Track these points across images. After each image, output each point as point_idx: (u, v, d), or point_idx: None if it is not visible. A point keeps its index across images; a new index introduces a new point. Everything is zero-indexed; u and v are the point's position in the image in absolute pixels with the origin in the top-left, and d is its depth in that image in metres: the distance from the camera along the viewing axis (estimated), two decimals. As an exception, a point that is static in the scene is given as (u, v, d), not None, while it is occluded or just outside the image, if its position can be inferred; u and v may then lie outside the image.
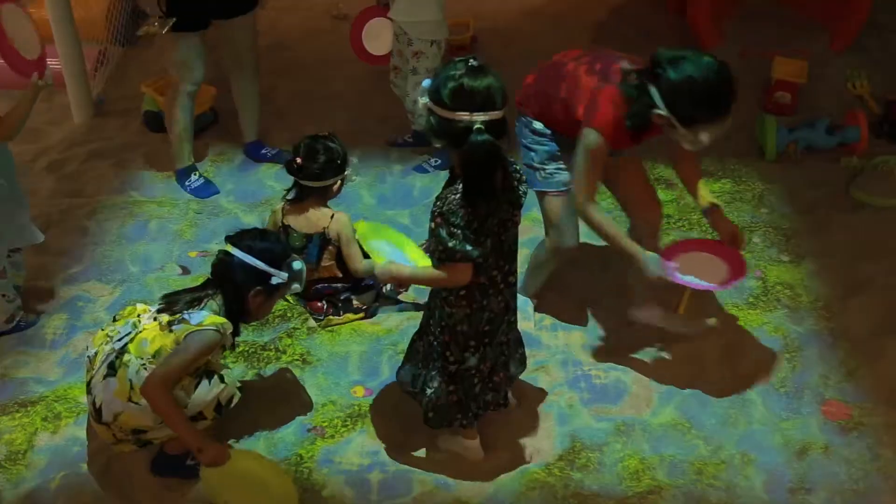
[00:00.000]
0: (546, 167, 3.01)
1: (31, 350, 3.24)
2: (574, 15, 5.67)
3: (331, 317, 3.35)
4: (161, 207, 3.97)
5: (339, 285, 3.37)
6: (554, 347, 3.24)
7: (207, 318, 2.59)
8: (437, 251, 2.40)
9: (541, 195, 3.06)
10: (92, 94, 4.66)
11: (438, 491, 2.74)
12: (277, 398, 3.05)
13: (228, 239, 2.73)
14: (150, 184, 4.16)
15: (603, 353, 3.21)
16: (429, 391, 2.68)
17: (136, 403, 2.55)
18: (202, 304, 2.65)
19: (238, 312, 2.71)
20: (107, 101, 4.77)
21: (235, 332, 2.71)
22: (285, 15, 5.68)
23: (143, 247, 3.75)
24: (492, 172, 2.34)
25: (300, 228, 3.30)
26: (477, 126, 2.25)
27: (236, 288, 2.68)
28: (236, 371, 3.11)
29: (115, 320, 2.76)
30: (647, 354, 3.20)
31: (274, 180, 4.16)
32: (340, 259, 3.35)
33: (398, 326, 3.34)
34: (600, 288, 3.48)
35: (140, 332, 2.63)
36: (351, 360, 3.21)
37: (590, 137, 2.77)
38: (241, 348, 3.20)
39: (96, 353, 2.66)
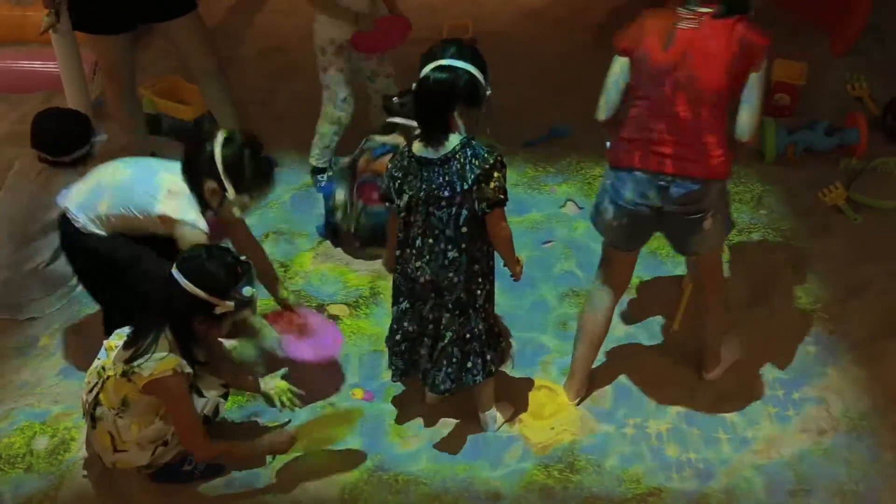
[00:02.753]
0: None
1: (30, 354, 3.23)
2: (574, 17, 5.68)
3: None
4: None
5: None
6: (556, 348, 3.24)
7: (157, 366, 2.51)
8: None
9: None
10: (90, 98, 4.65)
11: (438, 493, 2.73)
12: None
13: (177, 262, 2.57)
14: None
15: (604, 356, 3.21)
16: None
17: (123, 451, 2.62)
18: (156, 343, 2.54)
19: (187, 339, 2.61)
20: (105, 104, 4.76)
21: (191, 360, 2.62)
22: (284, 18, 5.68)
23: (141, 250, 3.74)
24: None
25: (379, 138, 3.57)
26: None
27: (179, 316, 2.57)
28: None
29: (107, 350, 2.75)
30: (647, 357, 3.20)
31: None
32: None
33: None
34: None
35: (106, 379, 2.61)
36: (350, 362, 3.20)
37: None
38: (240, 351, 3.20)
39: (86, 399, 2.70)
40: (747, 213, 3.89)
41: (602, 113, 2.71)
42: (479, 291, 2.67)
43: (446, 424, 2.95)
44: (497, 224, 2.58)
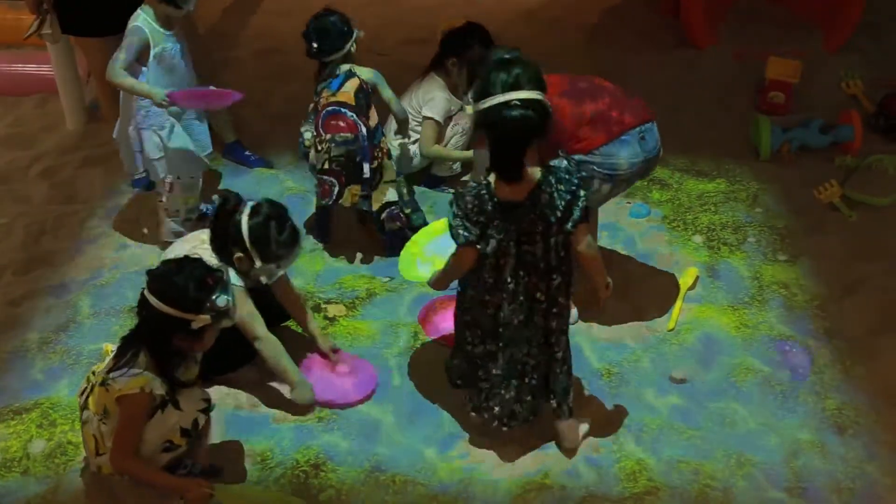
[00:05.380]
0: None
1: (25, 356, 3.23)
2: (568, 17, 5.69)
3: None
4: (155, 214, 3.96)
5: (347, 112, 3.48)
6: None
7: (128, 382, 2.51)
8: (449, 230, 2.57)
9: None
10: (85, 101, 4.65)
11: (436, 493, 2.73)
12: (273, 403, 3.04)
13: (147, 279, 2.53)
14: (144, 189, 4.14)
15: (600, 356, 3.21)
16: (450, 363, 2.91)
17: (105, 454, 2.62)
18: (136, 358, 2.53)
19: (166, 357, 2.57)
20: (100, 108, 4.76)
21: (171, 379, 2.58)
22: (280, 19, 5.68)
23: (138, 252, 3.74)
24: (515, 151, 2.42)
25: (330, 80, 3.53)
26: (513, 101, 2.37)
27: (154, 336, 2.53)
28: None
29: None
30: (642, 355, 3.20)
31: (269, 184, 4.15)
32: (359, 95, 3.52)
33: (393, 328, 3.33)
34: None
35: (94, 385, 2.62)
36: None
37: None
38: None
39: (80, 401, 2.71)
40: (743, 211, 3.90)
41: None
42: (569, 308, 2.70)
43: (443, 425, 2.95)
44: (583, 240, 2.54)
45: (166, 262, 2.59)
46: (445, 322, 3.29)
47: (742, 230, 3.77)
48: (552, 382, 2.76)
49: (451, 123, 4.03)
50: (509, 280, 2.58)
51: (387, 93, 3.63)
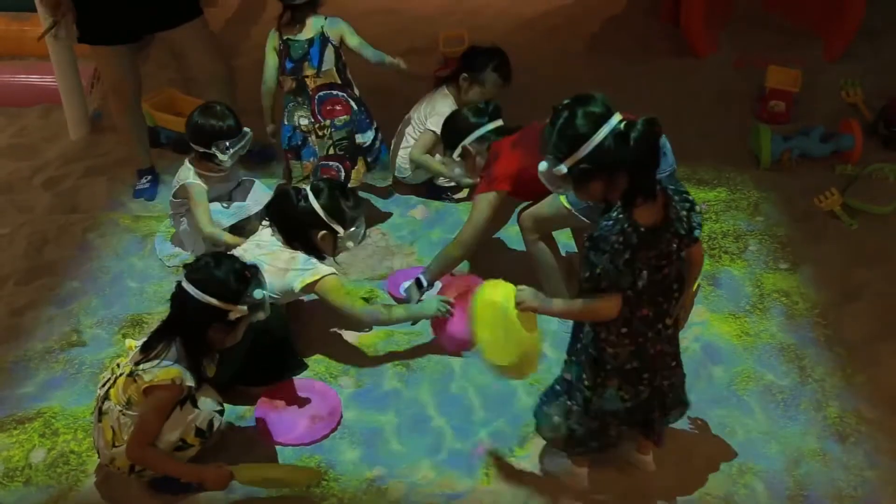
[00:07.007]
0: None
1: (28, 366, 3.24)
2: (568, 26, 5.71)
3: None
4: (159, 222, 3.98)
5: (338, 93, 3.51)
6: (552, 354, 3.25)
7: (158, 374, 2.55)
8: (585, 278, 2.27)
9: None
10: (88, 110, 4.68)
11: (438, 502, 2.73)
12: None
13: (185, 273, 2.63)
14: (147, 199, 4.16)
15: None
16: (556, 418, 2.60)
17: (121, 447, 2.62)
18: (167, 351, 2.58)
19: (199, 349, 2.64)
20: (103, 117, 4.78)
21: (198, 372, 2.63)
22: (281, 29, 5.70)
23: (140, 261, 3.76)
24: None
25: (299, 37, 3.50)
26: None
27: (192, 326, 2.60)
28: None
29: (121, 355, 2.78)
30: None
31: (269, 189, 4.16)
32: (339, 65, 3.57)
33: (395, 335, 3.34)
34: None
35: (119, 377, 2.65)
36: (349, 373, 3.20)
37: None
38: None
39: (98, 393, 2.72)
40: (744, 219, 3.90)
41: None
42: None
43: (447, 433, 2.96)
44: (701, 247, 2.48)
45: (203, 257, 2.68)
46: (457, 326, 3.25)
47: (743, 238, 3.78)
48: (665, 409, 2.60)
49: None
50: (645, 309, 2.35)
51: (353, 41, 3.59)
